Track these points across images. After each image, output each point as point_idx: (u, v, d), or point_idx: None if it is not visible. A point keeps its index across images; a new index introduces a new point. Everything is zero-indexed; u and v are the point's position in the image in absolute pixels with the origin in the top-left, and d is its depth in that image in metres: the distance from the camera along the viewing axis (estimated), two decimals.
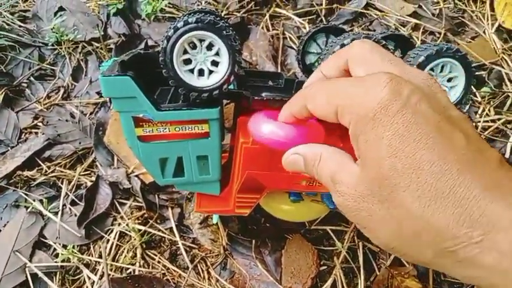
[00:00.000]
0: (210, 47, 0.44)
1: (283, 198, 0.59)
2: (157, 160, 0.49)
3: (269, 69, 0.81)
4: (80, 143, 0.67)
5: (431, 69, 0.47)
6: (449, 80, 0.49)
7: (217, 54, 0.44)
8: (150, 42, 0.81)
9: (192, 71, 0.44)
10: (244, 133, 0.50)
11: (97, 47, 0.79)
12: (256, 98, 0.48)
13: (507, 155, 0.75)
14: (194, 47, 0.43)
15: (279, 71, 0.81)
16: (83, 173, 0.65)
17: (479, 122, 0.77)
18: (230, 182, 0.54)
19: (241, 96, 0.49)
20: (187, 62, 0.44)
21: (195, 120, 0.47)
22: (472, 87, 0.82)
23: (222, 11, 0.84)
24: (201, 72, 0.44)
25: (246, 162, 0.49)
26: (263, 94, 0.57)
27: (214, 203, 0.53)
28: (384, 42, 0.46)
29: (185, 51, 0.43)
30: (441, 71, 0.48)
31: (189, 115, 0.46)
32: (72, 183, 0.63)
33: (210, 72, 0.45)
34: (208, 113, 0.46)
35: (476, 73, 0.82)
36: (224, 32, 0.42)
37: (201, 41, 0.43)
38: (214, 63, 0.44)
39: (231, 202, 0.52)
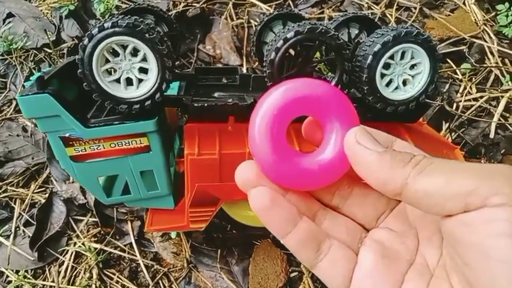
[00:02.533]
0: (135, 52, 0.39)
1: (248, 204, 0.55)
2: (97, 179, 0.45)
3: (234, 61, 0.76)
4: (32, 158, 0.63)
5: (391, 57, 0.42)
6: (412, 66, 0.44)
7: (144, 60, 0.39)
8: None
9: (118, 81, 0.40)
10: (190, 143, 0.46)
11: (50, 54, 0.75)
12: (195, 105, 0.44)
13: (491, 135, 0.71)
14: (117, 54, 0.39)
15: (245, 62, 0.76)
16: (37, 191, 0.61)
17: (461, 101, 0.73)
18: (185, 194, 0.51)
19: (181, 103, 0.45)
20: (112, 71, 0.40)
21: (131, 134, 0.42)
22: (452, 64, 0.77)
23: (180, 3, 0.78)
24: (129, 82, 0.40)
25: (194, 174, 0.45)
26: (215, 94, 0.53)
27: (167, 219, 0.49)
28: (333, 32, 0.41)
29: (107, 60, 0.39)
30: (402, 58, 0.43)
31: (122, 130, 0.42)
32: (26, 202, 0.60)
33: (140, 80, 0.40)
34: (144, 126, 0.42)
35: (456, 49, 0.77)
36: (147, 35, 0.37)
37: (123, 47, 0.38)
38: (143, 71, 0.40)
39: (185, 217, 0.49)
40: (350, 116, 0.25)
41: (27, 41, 0.74)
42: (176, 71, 0.71)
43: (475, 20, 0.80)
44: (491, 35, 0.77)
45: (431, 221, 0.24)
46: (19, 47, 0.73)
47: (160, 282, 0.54)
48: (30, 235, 0.56)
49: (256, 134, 0.24)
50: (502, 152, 0.68)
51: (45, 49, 0.75)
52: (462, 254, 0.20)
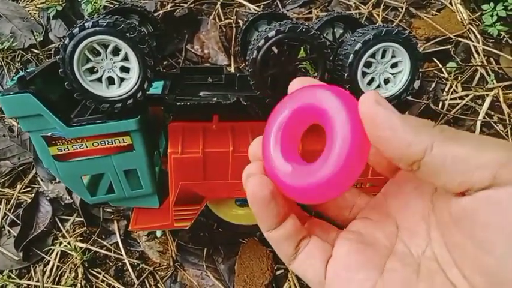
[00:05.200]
0: (116, 51, 0.39)
1: (233, 202, 0.55)
2: (80, 178, 0.45)
3: (222, 61, 0.76)
4: (19, 158, 0.63)
5: (372, 56, 0.43)
6: (393, 65, 0.45)
7: (126, 59, 0.39)
8: None
9: (99, 80, 0.40)
10: (174, 142, 0.46)
11: (37, 54, 0.74)
12: (178, 104, 0.44)
13: (477, 133, 0.71)
14: (98, 53, 0.39)
15: (233, 62, 0.76)
16: (23, 191, 0.61)
17: (446, 100, 0.73)
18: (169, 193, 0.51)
19: (164, 102, 0.45)
20: (93, 70, 0.40)
21: (114, 133, 0.43)
22: (438, 63, 0.78)
23: (168, 3, 0.78)
24: (111, 81, 0.40)
25: (178, 173, 0.45)
26: (201, 93, 0.53)
27: (151, 218, 0.50)
28: (314, 31, 0.41)
29: (88, 59, 0.39)
30: (383, 57, 0.44)
31: (104, 129, 0.42)
32: (12, 202, 0.60)
33: (122, 80, 0.40)
34: (127, 125, 0.42)
35: (442, 48, 0.78)
36: (127, 34, 0.38)
37: (104, 46, 0.39)
38: (125, 70, 0.40)
39: (169, 216, 0.49)
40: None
41: (14, 41, 0.74)
42: (163, 70, 0.71)
43: (461, 19, 0.81)
44: (477, 34, 0.78)
45: (414, 212, 0.23)
46: (6, 48, 0.73)
47: (146, 281, 0.54)
48: (16, 235, 0.56)
49: (271, 149, 0.23)
50: None
51: (33, 50, 0.75)
52: (481, 237, 0.18)
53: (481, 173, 0.17)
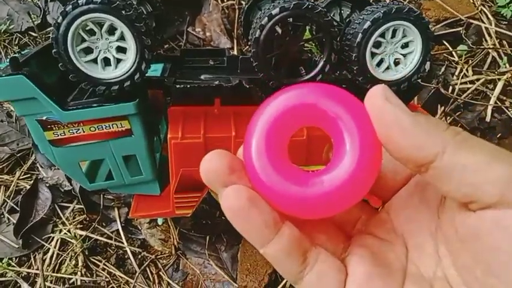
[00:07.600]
0: (112, 31, 0.37)
1: None
2: (78, 164, 0.44)
3: (224, 44, 0.74)
4: (18, 144, 0.62)
5: (382, 35, 0.41)
6: (404, 45, 0.42)
7: (122, 38, 0.37)
8: None
9: (95, 61, 0.38)
10: (174, 126, 0.44)
11: (35, 37, 0.73)
12: (178, 86, 0.42)
13: (488, 119, 0.69)
14: (93, 32, 0.37)
15: (235, 45, 0.74)
16: (23, 177, 0.60)
17: (457, 84, 0.71)
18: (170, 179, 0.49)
19: (163, 85, 0.43)
20: (88, 51, 0.38)
21: (111, 117, 0.41)
22: (448, 46, 0.75)
23: None
24: (107, 62, 0.38)
25: (178, 159, 0.44)
26: (202, 76, 0.51)
27: (152, 205, 0.48)
28: (320, 8, 0.39)
29: (83, 39, 0.37)
30: (393, 36, 0.41)
31: (101, 112, 0.40)
32: (11, 189, 0.59)
33: (119, 61, 0.38)
34: (124, 108, 0.40)
35: (453, 30, 0.75)
36: (123, 11, 0.36)
37: (99, 25, 0.37)
38: (122, 50, 0.38)
39: (170, 203, 0.47)
40: (363, 123, 0.19)
41: (10, 24, 0.72)
42: (163, 53, 0.69)
43: (473, 0, 0.78)
44: (489, 15, 0.75)
45: (421, 227, 0.22)
46: (2, 31, 0.71)
47: (147, 269, 0.53)
48: (15, 222, 0.55)
49: (253, 155, 0.20)
50: (498, 136, 0.67)
51: (30, 33, 0.73)
52: (489, 261, 0.17)
53: (488, 189, 0.16)
